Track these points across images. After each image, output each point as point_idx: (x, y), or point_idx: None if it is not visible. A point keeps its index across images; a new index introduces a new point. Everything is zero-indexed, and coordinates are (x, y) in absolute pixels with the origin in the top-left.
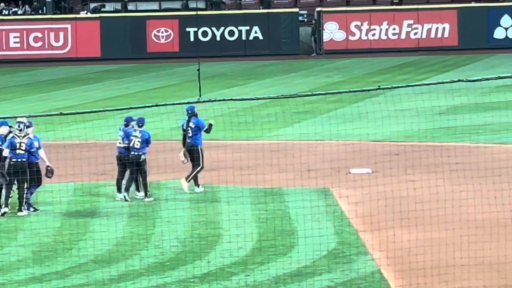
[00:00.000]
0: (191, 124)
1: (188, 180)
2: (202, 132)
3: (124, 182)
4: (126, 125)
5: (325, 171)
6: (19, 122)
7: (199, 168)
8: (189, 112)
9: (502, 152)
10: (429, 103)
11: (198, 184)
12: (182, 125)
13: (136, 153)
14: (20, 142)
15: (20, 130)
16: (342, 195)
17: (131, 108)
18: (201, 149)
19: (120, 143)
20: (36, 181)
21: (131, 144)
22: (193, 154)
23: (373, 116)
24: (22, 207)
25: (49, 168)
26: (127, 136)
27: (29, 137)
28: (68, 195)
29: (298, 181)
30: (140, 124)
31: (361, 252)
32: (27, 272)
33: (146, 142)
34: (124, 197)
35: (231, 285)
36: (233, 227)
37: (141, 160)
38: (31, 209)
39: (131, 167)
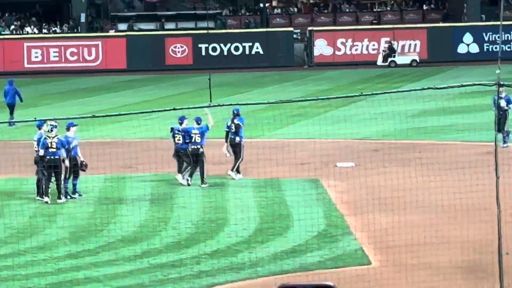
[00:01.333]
0: (235, 121)
1: (233, 170)
2: (243, 129)
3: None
4: (181, 123)
5: (316, 164)
6: (50, 125)
7: (241, 159)
8: (235, 112)
9: (465, 148)
10: (403, 107)
11: (239, 171)
12: (227, 123)
13: (195, 147)
14: (51, 142)
15: (50, 131)
16: (330, 185)
17: (153, 111)
18: (242, 144)
19: (179, 140)
20: (74, 173)
21: (192, 140)
22: (236, 148)
23: (356, 118)
24: (61, 195)
25: (83, 162)
26: (187, 133)
27: (58, 137)
28: (100, 185)
29: (293, 173)
30: (199, 122)
31: (346, 233)
32: (65, 250)
33: (203, 135)
34: (187, 181)
35: (236, 261)
36: (238, 211)
37: (199, 152)
38: (68, 197)
39: (188, 158)
